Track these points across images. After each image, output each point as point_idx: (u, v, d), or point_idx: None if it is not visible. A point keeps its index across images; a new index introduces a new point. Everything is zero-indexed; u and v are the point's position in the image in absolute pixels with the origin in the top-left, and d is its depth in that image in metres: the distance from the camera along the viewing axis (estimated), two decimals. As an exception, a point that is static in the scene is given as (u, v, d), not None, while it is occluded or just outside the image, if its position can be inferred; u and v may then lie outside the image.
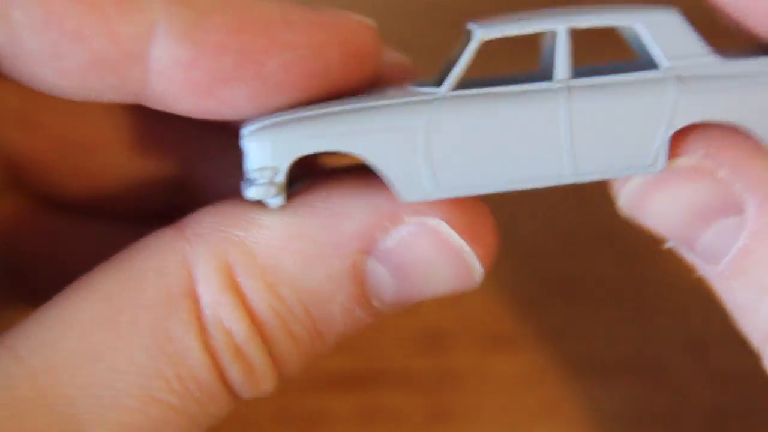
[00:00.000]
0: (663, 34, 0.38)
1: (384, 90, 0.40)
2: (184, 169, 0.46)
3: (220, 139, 0.44)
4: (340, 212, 0.39)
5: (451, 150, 0.38)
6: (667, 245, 0.40)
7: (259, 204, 0.39)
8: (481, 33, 0.39)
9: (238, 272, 0.38)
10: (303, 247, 0.39)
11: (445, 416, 0.52)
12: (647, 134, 0.37)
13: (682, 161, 0.38)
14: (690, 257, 0.40)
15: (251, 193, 0.38)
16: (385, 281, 0.40)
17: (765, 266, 0.37)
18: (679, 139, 0.38)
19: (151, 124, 0.45)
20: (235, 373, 0.38)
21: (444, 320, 0.54)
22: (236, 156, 0.41)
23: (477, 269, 0.40)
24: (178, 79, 0.38)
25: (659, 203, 0.39)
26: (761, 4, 0.38)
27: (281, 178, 0.38)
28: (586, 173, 0.38)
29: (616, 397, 0.51)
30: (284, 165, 0.38)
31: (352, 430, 0.52)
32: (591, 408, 0.52)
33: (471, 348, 0.54)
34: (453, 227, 0.39)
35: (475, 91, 0.38)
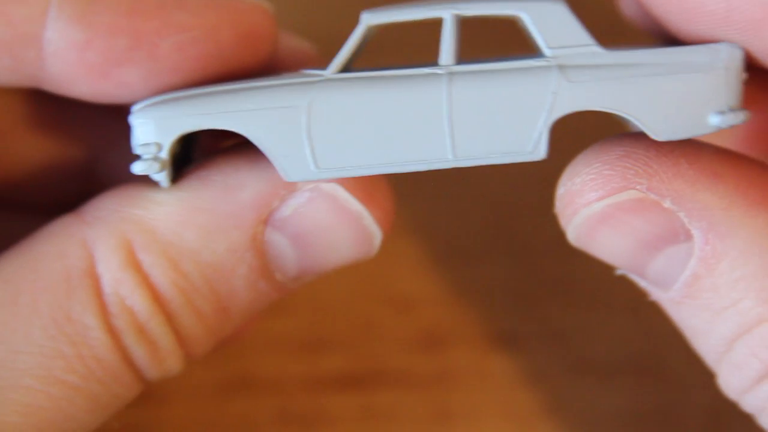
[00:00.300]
0: (546, 24, 0.38)
1: (279, 74, 0.41)
2: (91, 157, 0.46)
3: (127, 127, 0.44)
4: (235, 183, 0.39)
5: (333, 131, 0.38)
6: (618, 273, 0.40)
7: (156, 184, 0.39)
8: (367, 18, 0.39)
9: (138, 249, 0.39)
10: (202, 220, 0.39)
11: (445, 416, 0.52)
12: (528, 121, 0.38)
13: (627, 195, 0.38)
14: (641, 283, 0.40)
15: (136, 168, 0.39)
16: (285, 251, 0.40)
17: (714, 290, 0.38)
18: (620, 172, 0.38)
19: (55, 111, 0.45)
20: (138, 352, 0.39)
21: (444, 320, 0.54)
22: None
23: (376, 233, 0.40)
24: (73, 60, 0.39)
25: (607, 236, 0.39)
26: None
27: (165, 154, 0.39)
28: (467, 158, 0.38)
29: (616, 397, 0.51)
30: (167, 141, 0.39)
31: (352, 430, 0.52)
32: (591, 408, 0.52)
33: (471, 348, 0.54)
34: (349, 191, 0.40)
35: (358, 73, 0.38)
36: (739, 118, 0.37)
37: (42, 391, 0.37)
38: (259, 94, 0.38)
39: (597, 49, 0.38)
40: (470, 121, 0.38)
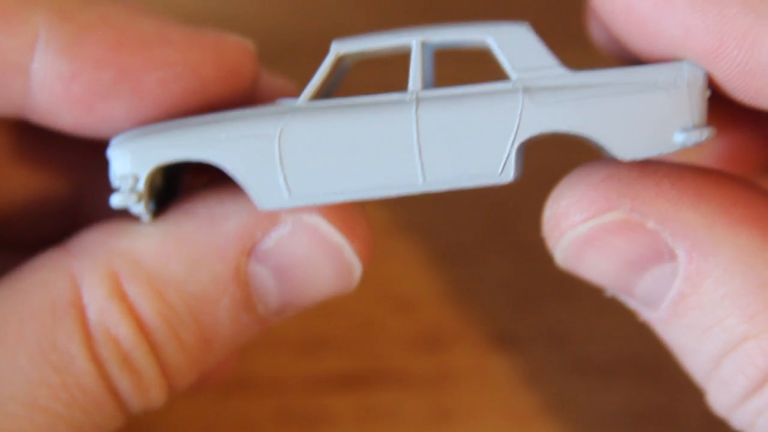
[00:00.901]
0: (511, 47, 0.39)
1: (256, 106, 0.41)
2: (76, 192, 0.46)
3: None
4: (218, 215, 0.40)
5: (304, 159, 0.39)
6: (607, 294, 0.41)
7: (140, 218, 0.40)
8: (337, 47, 0.40)
9: (124, 280, 0.39)
10: (186, 251, 0.39)
11: (445, 416, 0.52)
12: (495, 144, 0.38)
13: (611, 216, 0.38)
14: (630, 303, 0.41)
15: (115, 200, 0.39)
16: (268, 283, 0.41)
17: (700, 309, 0.38)
18: (604, 194, 0.39)
19: (40, 146, 0.45)
20: (122, 382, 0.39)
21: (444, 320, 0.54)
22: None
23: (356, 265, 0.41)
24: (59, 92, 0.39)
25: (594, 258, 0.39)
26: (633, 17, 0.39)
27: (141, 186, 0.39)
28: (437, 182, 0.39)
29: (616, 397, 0.51)
30: (144, 173, 0.39)
31: (352, 430, 0.52)
32: (591, 408, 0.52)
33: (471, 348, 0.54)
34: (330, 223, 0.40)
35: (329, 102, 0.39)
36: (704, 135, 0.38)
37: (26, 418, 0.38)
38: (232, 124, 0.39)
39: (561, 71, 0.39)
40: (439, 145, 0.38)
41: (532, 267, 0.54)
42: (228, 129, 0.39)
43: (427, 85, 0.40)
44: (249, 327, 0.41)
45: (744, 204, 0.38)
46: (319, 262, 0.41)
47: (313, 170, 0.38)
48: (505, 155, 0.38)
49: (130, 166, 0.39)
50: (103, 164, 0.41)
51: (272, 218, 0.40)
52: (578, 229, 0.39)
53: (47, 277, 0.39)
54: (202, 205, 0.40)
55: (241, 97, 0.42)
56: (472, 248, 0.53)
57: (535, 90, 0.38)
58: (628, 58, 0.42)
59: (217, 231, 0.40)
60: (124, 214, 0.41)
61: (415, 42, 0.39)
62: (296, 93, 0.45)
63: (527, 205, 0.53)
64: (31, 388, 0.38)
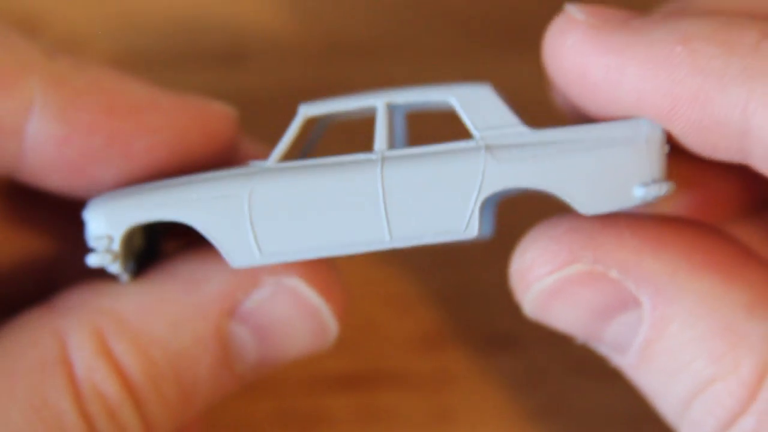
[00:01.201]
0: (473, 106, 0.40)
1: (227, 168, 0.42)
2: (57, 252, 0.47)
3: None
4: (201, 276, 0.41)
5: (274, 218, 0.40)
6: (578, 342, 0.42)
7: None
8: (305, 110, 0.41)
9: (109, 338, 0.40)
10: (169, 310, 0.41)
11: (445, 416, 0.52)
12: (459, 201, 0.39)
13: (574, 268, 0.40)
14: (601, 350, 0.42)
15: (91, 260, 0.41)
16: (247, 343, 0.42)
17: (668, 353, 0.39)
18: (566, 246, 0.40)
19: (23, 204, 0.46)
20: None
21: (444, 320, 0.54)
22: None
23: (332, 326, 0.43)
24: (51, 155, 0.41)
25: (560, 309, 0.41)
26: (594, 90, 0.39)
27: (116, 246, 0.41)
28: (403, 239, 0.40)
29: (616, 397, 0.51)
30: (118, 233, 0.41)
31: (352, 430, 0.52)
32: (591, 408, 0.52)
33: (471, 348, 0.54)
34: (309, 285, 0.42)
35: (296, 162, 0.40)
36: (663, 189, 0.38)
37: None
38: (203, 185, 0.40)
39: (523, 129, 0.39)
40: (404, 203, 0.39)
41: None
42: (199, 190, 0.40)
43: (398, 145, 0.41)
44: (227, 383, 0.42)
45: (705, 250, 0.39)
46: (297, 322, 0.42)
47: (283, 229, 0.40)
48: (469, 212, 0.39)
49: (104, 227, 0.41)
50: (82, 222, 0.42)
51: (253, 280, 0.42)
52: (543, 282, 0.40)
53: (35, 335, 0.40)
54: (184, 266, 0.42)
55: (220, 159, 0.44)
56: (473, 248, 0.53)
57: (497, 148, 0.39)
58: (590, 121, 0.42)
59: (200, 291, 0.41)
60: (106, 274, 0.42)
61: (380, 103, 0.40)
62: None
63: (527, 205, 0.53)
64: None
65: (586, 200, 0.39)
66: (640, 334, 0.39)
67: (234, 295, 0.41)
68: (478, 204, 0.39)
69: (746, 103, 0.35)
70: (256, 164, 0.41)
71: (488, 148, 0.39)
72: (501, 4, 0.60)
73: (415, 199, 0.39)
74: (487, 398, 0.52)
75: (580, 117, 0.43)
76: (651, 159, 0.38)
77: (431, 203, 0.39)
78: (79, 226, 0.44)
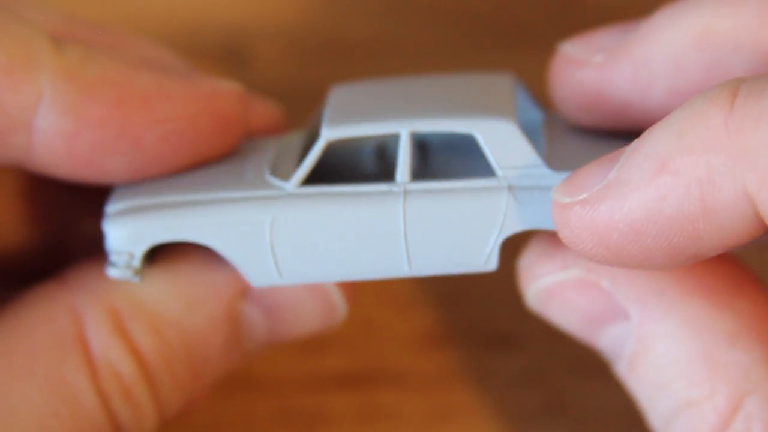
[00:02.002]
0: (497, 143, 0.40)
1: (244, 167, 0.43)
2: (64, 226, 0.47)
3: (103, 196, 0.45)
4: (215, 260, 0.42)
5: (294, 244, 0.40)
6: (578, 341, 0.43)
7: None
8: (327, 134, 0.41)
9: (125, 317, 0.41)
10: (184, 291, 0.41)
11: (445, 416, 0.52)
12: (480, 238, 0.40)
13: (570, 273, 0.40)
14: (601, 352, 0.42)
15: (111, 272, 0.41)
16: (257, 322, 0.43)
17: (652, 370, 0.39)
18: (562, 251, 0.40)
19: (29, 182, 0.46)
20: (123, 414, 0.41)
21: (444, 320, 0.54)
22: None
23: (341, 307, 0.43)
24: (61, 148, 0.40)
25: (557, 310, 0.42)
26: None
27: (137, 263, 0.41)
28: (422, 269, 0.40)
29: (616, 397, 0.51)
30: (139, 251, 0.41)
31: (352, 430, 0.52)
32: (591, 408, 0.52)
33: (471, 348, 0.54)
34: None
35: (319, 189, 0.40)
36: None
37: None
38: (226, 209, 0.41)
39: (545, 171, 0.39)
40: (425, 237, 0.40)
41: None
42: (222, 214, 0.41)
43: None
44: (234, 360, 0.43)
45: (699, 272, 0.39)
46: (307, 303, 0.43)
47: (303, 255, 0.40)
48: (489, 248, 0.40)
49: (125, 245, 0.41)
50: (95, 195, 0.43)
51: None
52: (540, 282, 0.41)
53: (50, 313, 0.41)
54: (199, 250, 0.42)
55: (230, 141, 0.44)
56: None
57: (519, 189, 0.39)
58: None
59: (214, 273, 0.42)
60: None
61: (405, 132, 0.40)
62: (282, 118, 0.46)
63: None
64: (42, 420, 0.39)
65: None
66: (629, 346, 0.40)
67: None
68: (498, 242, 0.40)
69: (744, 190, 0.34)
70: (275, 185, 0.41)
71: (510, 188, 0.39)
72: (502, 4, 0.60)
73: (435, 233, 0.40)
74: (487, 398, 0.52)
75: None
76: None
77: (452, 238, 0.40)
78: (90, 196, 0.45)
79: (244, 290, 0.42)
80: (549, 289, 0.41)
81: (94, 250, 0.43)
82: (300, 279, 0.41)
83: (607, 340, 0.41)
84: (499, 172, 0.40)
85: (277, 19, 0.59)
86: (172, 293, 0.41)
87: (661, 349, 0.39)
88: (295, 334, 0.44)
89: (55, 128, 0.40)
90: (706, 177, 0.34)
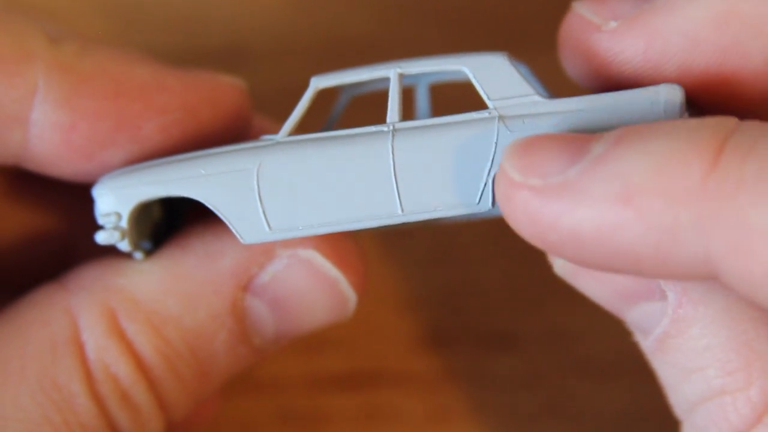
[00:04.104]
0: (487, 76, 0.39)
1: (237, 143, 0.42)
2: (68, 231, 0.47)
3: None
4: (215, 251, 0.41)
5: (283, 192, 0.39)
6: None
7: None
8: (316, 81, 0.40)
9: (121, 317, 0.40)
10: (183, 287, 0.40)
11: (445, 416, 0.52)
12: (472, 173, 0.38)
13: None
14: (627, 323, 0.41)
15: (99, 237, 0.40)
16: (264, 316, 0.41)
17: (683, 352, 0.38)
18: None
19: (33, 185, 0.46)
20: (121, 418, 0.40)
21: (444, 320, 0.54)
22: None
23: (351, 297, 0.42)
24: (58, 142, 0.40)
25: (588, 281, 0.39)
26: None
27: (124, 223, 0.40)
28: (415, 212, 0.39)
29: (616, 397, 0.51)
30: (126, 210, 0.40)
31: (352, 430, 0.52)
32: (591, 408, 0.52)
33: (471, 348, 0.54)
34: (325, 256, 0.41)
35: (306, 136, 0.39)
36: None
37: None
38: (210, 159, 0.39)
39: (537, 98, 0.38)
40: (416, 175, 0.38)
41: (532, 267, 0.54)
42: (207, 165, 0.39)
43: (422, 118, 0.40)
44: (245, 358, 0.42)
45: None
46: (314, 294, 0.41)
47: (293, 204, 0.39)
48: (482, 184, 0.38)
49: (112, 205, 0.40)
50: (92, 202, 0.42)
51: (268, 253, 0.41)
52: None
53: (46, 314, 0.40)
54: (197, 241, 0.41)
55: (232, 134, 0.43)
56: (472, 248, 0.53)
57: (510, 118, 0.38)
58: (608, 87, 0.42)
59: (214, 267, 0.40)
60: (119, 251, 0.41)
61: (393, 73, 0.40)
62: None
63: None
64: (34, 427, 0.38)
65: None
66: (662, 325, 0.38)
67: (248, 269, 0.41)
68: (492, 176, 0.38)
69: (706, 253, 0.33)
70: (267, 138, 0.40)
71: (501, 118, 0.38)
72: (504, 5, 0.60)
73: (427, 171, 0.38)
74: (487, 398, 0.52)
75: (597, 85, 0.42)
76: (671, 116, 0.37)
77: (444, 175, 0.38)
78: (87, 203, 0.44)
79: (246, 283, 0.41)
80: None
81: (101, 255, 0.42)
82: (291, 232, 0.39)
83: (637, 315, 0.39)
84: (490, 104, 0.39)
85: (276, 20, 0.59)
86: (170, 290, 0.40)
87: (697, 334, 0.38)
88: (305, 327, 0.42)
89: (52, 122, 0.40)
90: (669, 228, 0.32)
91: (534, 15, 0.61)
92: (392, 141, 0.39)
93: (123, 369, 0.39)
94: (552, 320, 0.53)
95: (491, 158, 0.38)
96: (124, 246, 0.40)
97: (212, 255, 0.41)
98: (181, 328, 0.40)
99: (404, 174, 0.38)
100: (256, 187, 0.39)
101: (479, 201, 0.38)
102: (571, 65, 0.41)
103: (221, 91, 0.42)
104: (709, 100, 0.38)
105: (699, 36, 0.37)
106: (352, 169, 0.39)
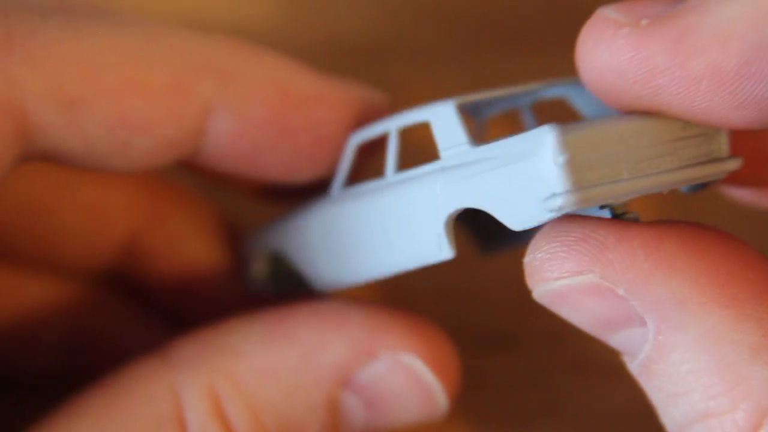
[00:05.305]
0: (440, 126, 0.39)
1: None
2: (134, 233, 0.49)
3: (174, 205, 0.47)
4: (318, 345, 0.42)
5: (329, 244, 0.42)
6: (578, 342, 0.43)
7: (238, 333, 0.42)
8: (354, 140, 0.43)
9: (224, 399, 0.41)
10: (284, 376, 0.41)
11: (445, 416, 0.52)
12: (429, 224, 0.39)
13: (582, 278, 0.39)
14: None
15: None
16: (357, 413, 0.43)
17: (667, 376, 0.38)
18: (576, 257, 0.38)
19: (100, 187, 0.48)
20: None
21: (444, 320, 0.54)
22: (191, 223, 0.47)
23: (442, 404, 0.43)
24: (227, 148, 0.42)
25: (567, 310, 0.40)
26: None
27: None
28: (394, 265, 0.41)
29: (616, 397, 0.51)
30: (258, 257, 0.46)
31: (351, 431, 0.52)
32: (591, 408, 0.52)
33: (471, 348, 0.53)
34: (425, 362, 0.42)
35: (351, 191, 0.42)
36: (570, 200, 0.36)
37: None
38: (287, 219, 0.45)
39: (465, 147, 0.38)
40: (395, 229, 0.40)
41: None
42: (285, 224, 0.45)
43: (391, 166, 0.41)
44: None
45: (721, 280, 0.38)
46: (409, 398, 0.43)
47: (331, 258, 0.42)
48: (437, 234, 0.39)
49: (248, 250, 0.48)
50: (165, 203, 0.48)
51: (370, 351, 0.42)
52: (549, 285, 0.39)
53: (151, 389, 0.41)
54: (303, 330, 0.42)
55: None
56: (472, 248, 0.53)
57: (449, 168, 0.39)
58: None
59: (317, 361, 0.42)
60: (216, 323, 0.43)
61: (393, 128, 0.41)
62: (386, 107, 0.47)
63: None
64: None
65: (510, 217, 0.37)
66: (644, 351, 0.39)
67: (350, 367, 0.42)
68: (443, 226, 0.39)
69: None
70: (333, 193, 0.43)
71: (443, 169, 0.39)
72: (504, 6, 0.61)
73: (400, 226, 0.40)
74: (487, 398, 0.52)
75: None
76: (551, 170, 0.36)
77: (405, 228, 0.40)
78: (162, 211, 0.48)
79: (345, 380, 0.42)
80: (560, 292, 0.39)
81: (171, 264, 0.46)
82: (344, 282, 0.42)
83: (620, 340, 0.40)
84: (441, 154, 0.39)
85: (276, 21, 0.59)
86: (272, 378, 0.41)
87: (678, 359, 0.38)
88: (393, 423, 0.44)
89: (223, 129, 0.42)
90: None
91: (535, 19, 0.61)
92: (380, 198, 0.41)
93: None
94: (552, 320, 0.53)
95: (437, 209, 0.39)
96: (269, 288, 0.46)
97: (315, 348, 0.42)
98: (278, 416, 0.41)
99: (388, 227, 0.40)
100: (320, 240, 0.43)
101: (439, 250, 0.40)
102: (592, 69, 0.41)
103: (372, 108, 0.44)
104: (739, 100, 0.38)
105: (733, 32, 0.36)
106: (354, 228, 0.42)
